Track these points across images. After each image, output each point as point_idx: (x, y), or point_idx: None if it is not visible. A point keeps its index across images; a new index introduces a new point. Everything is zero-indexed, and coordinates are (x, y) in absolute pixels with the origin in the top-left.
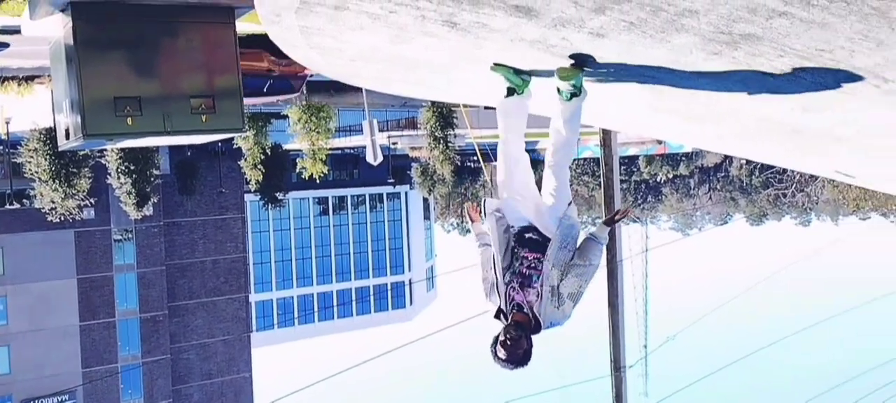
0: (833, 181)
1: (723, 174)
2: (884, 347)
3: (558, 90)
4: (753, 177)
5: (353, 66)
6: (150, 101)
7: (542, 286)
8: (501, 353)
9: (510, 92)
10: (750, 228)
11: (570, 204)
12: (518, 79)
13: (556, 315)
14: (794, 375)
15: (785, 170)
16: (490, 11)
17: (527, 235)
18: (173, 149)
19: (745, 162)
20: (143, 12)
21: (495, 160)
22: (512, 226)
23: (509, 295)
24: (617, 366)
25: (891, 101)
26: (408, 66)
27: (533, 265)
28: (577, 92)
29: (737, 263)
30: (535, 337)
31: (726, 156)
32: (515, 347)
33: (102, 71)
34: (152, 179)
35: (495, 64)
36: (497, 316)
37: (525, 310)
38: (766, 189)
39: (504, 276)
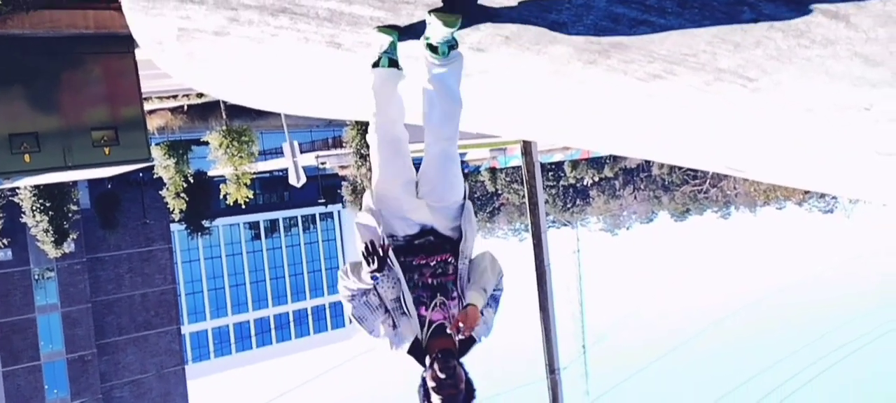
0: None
1: (645, 174)
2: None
3: (431, 47)
4: (673, 174)
5: (247, 87)
6: (48, 136)
7: (462, 292)
8: (440, 399)
9: (391, 64)
10: (674, 224)
11: (467, 204)
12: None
13: (479, 331)
14: (720, 362)
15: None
16: (369, 31)
17: (417, 241)
18: (92, 183)
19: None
20: (38, 46)
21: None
22: (392, 237)
23: (423, 318)
24: (551, 369)
25: (758, 99)
26: (303, 84)
27: (440, 271)
28: (455, 44)
29: (666, 257)
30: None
31: None
32: (455, 383)
33: None
34: (71, 215)
35: (381, 27)
36: (411, 352)
37: (448, 331)
38: (683, 185)
39: (402, 301)
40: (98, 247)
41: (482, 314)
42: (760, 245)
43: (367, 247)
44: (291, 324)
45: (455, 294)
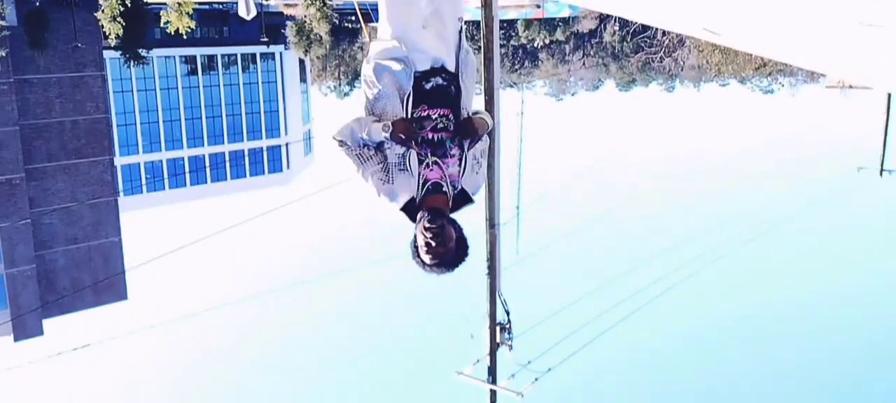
0: (699, 47)
1: (597, 40)
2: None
3: None
4: (625, 42)
5: None
6: None
7: (465, 150)
8: (428, 258)
9: None
10: (619, 93)
11: (461, 20)
12: None
13: (479, 180)
14: (651, 233)
15: (655, 35)
16: None
17: (427, 84)
18: None
19: (618, 27)
20: None
21: (377, 21)
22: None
23: (419, 175)
24: (491, 224)
25: None
26: None
27: (441, 126)
28: None
29: (607, 127)
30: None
31: (601, 21)
32: (443, 242)
33: None
34: None
35: None
36: (405, 209)
37: (444, 189)
38: (637, 53)
39: (406, 159)
40: (26, 68)
41: (479, 162)
42: (701, 120)
43: (403, 125)
44: (227, 165)
45: (453, 151)
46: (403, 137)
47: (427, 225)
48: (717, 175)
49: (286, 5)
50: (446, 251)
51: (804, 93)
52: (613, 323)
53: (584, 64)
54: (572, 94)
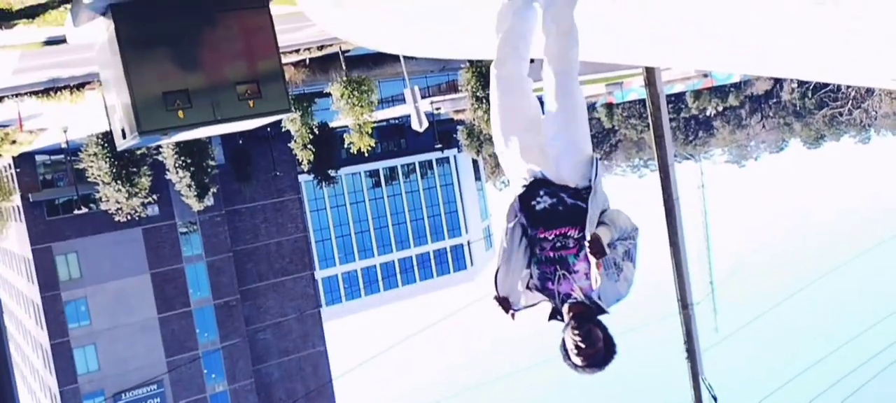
0: (891, 95)
1: (774, 100)
2: None
3: None
4: (806, 99)
5: (386, 29)
6: (197, 93)
7: (589, 266)
8: (579, 360)
9: None
10: (807, 151)
11: (597, 158)
12: None
13: (618, 289)
14: (858, 300)
15: (839, 88)
16: None
17: (537, 205)
18: (225, 139)
19: (796, 85)
20: (180, 7)
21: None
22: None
23: (552, 291)
24: (684, 304)
25: None
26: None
27: (560, 244)
28: None
29: (798, 188)
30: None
31: (776, 82)
32: (591, 345)
33: (148, 69)
34: (209, 170)
35: None
36: (552, 317)
37: (579, 300)
38: (821, 109)
39: (530, 273)
40: (235, 200)
41: (620, 268)
42: None
43: (498, 301)
44: (415, 267)
45: (577, 267)
46: (499, 304)
47: (574, 330)
48: None
49: (455, 111)
50: (595, 352)
51: None
52: None
53: (763, 126)
54: (755, 159)
